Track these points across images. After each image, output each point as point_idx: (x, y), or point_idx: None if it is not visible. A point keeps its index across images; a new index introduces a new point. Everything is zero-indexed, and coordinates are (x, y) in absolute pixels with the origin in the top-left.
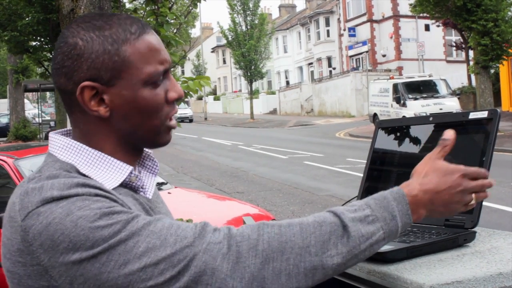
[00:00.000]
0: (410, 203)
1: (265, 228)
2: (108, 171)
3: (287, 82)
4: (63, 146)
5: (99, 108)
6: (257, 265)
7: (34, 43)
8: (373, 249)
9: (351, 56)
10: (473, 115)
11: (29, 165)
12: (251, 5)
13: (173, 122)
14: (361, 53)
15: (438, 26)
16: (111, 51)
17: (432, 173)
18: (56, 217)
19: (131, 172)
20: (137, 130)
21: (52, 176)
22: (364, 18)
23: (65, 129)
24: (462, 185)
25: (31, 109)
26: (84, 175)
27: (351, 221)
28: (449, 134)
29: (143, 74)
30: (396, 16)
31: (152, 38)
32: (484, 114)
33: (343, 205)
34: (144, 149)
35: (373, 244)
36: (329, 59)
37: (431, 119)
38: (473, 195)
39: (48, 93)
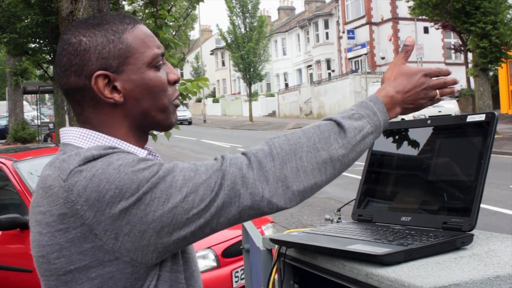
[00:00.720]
0: (386, 103)
1: (273, 140)
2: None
3: (286, 85)
4: (81, 135)
5: (113, 95)
6: (277, 167)
7: (33, 45)
8: (366, 142)
9: (350, 59)
10: (470, 118)
11: (28, 167)
12: (250, 8)
13: (177, 101)
14: (360, 56)
15: (437, 29)
16: (114, 40)
17: (399, 76)
18: (98, 168)
19: (148, 153)
20: (150, 111)
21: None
22: (363, 21)
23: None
24: (425, 83)
25: (30, 111)
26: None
27: (342, 119)
28: (410, 40)
29: (146, 57)
30: (395, 19)
31: (145, 28)
32: (481, 117)
33: (339, 209)
34: (146, 146)
35: (365, 136)
36: (328, 61)
37: (429, 122)
38: (437, 91)
39: (47, 95)
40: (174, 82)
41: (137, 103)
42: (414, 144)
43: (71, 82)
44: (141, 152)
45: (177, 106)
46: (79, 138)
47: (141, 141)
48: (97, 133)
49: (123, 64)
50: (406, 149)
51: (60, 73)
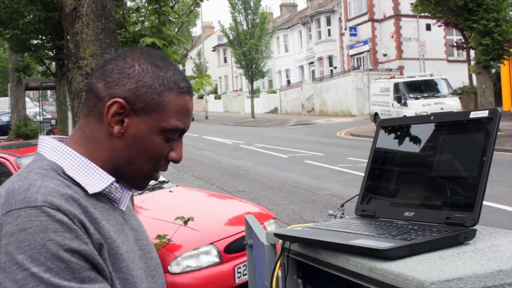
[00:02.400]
0: None
1: None
2: (91, 177)
3: (288, 81)
4: (53, 148)
5: (115, 126)
6: None
7: (35, 42)
8: None
9: (352, 56)
10: (473, 115)
11: None
12: (252, 4)
13: (157, 175)
14: (362, 53)
15: (439, 26)
16: (156, 89)
17: None
18: (32, 227)
19: (112, 183)
20: (131, 163)
21: (42, 175)
22: (365, 18)
23: (59, 136)
24: None
25: (32, 108)
26: (69, 176)
27: None
28: None
29: (165, 122)
30: (397, 16)
31: (191, 102)
32: (484, 114)
33: (343, 204)
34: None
35: None
36: (330, 58)
37: (432, 118)
38: None
39: (49, 92)
40: (171, 160)
41: (128, 149)
42: (417, 140)
43: (98, 87)
44: (107, 180)
45: (154, 179)
46: (51, 150)
47: (114, 175)
48: (71, 149)
49: (144, 112)
50: (409, 145)
51: (99, 73)
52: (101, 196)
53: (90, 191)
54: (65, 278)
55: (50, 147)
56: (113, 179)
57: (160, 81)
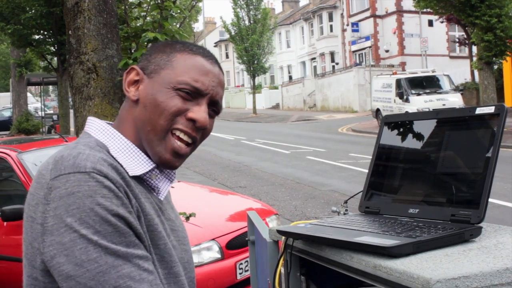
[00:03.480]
0: None
1: None
2: (134, 160)
3: (290, 77)
4: (100, 129)
5: (131, 89)
6: None
7: (37, 37)
8: None
9: (354, 51)
10: (479, 110)
11: (32, 158)
12: (254, 0)
13: (179, 144)
14: (364, 48)
15: (441, 22)
16: (166, 52)
17: None
18: (81, 191)
19: (153, 169)
20: (147, 123)
21: (89, 147)
22: (368, 13)
23: (108, 122)
24: None
25: (33, 103)
26: (112, 157)
27: None
28: None
29: (175, 78)
30: (400, 12)
31: (205, 63)
32: (491, 110)
33: (347, 200)
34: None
35: None
36: (332, 54)
37: (437, 114)
38: None
39: (50, 87)
40: (191, 120)
41: (144, 110)
42: (421, 136)
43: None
44: (149, 165)
45: (176, 151)
46: (98, 131)
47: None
48: (117, 132)
49: (155, 72)
50: (414, 142)
51: None
52: (142, 181)
53: (131, 173)
54: (112, 241)
55: (97, 127)
56: (154, 165)
57: (172, 48)
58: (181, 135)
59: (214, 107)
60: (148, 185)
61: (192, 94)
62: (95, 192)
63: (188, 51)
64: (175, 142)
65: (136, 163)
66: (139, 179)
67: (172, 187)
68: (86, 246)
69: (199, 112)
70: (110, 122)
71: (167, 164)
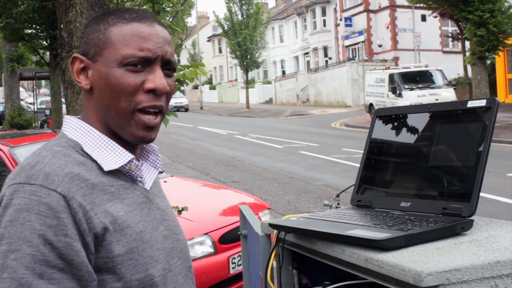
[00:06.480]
0: None
1: None
2: (109, 154)
3: (283, 72)
4: (73, 126)
5: (81, 79)
6: None
7: (29, 31)
8: None
9: (347, 46)
10: (471, 104)
11: (24, 153)
12: None
13: (148, 117)
14: (357, 43)
15: (435, 17)
16: (101, 29)
17: None
18: (20, 203)
19: (131, 161)
20: (109, 109)
21: (53, 152)
22: (361, 8)
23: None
24: None
25: (26, 97)
26: (86, 153)
27: None
28: None
29: (118, 54)
30: (393, 6)
31: (143, 28)
32: (482, 103)
33: (338, 194)
34: (150, 144)
35: None
36: (325, 49)
37: (429, 107)
38: None
39: (43, 82)
40: (150, 91)
41: (100, 96)
42: (413, 130)
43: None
44: (126, 157)
45: (147, 125)
46: (72, 129)
47: (128, 146)
48: (91, 127)
49: (98, 54)
50: (406, 135)
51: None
52: (121, 174)
53: (106, 168)
54: (24, 265)
55: (71, 125)
56: (132, 156)
57: (105, 22)
58: (147, 109)
59: (169, 66)
60: (131, 177)
61: (142, 64)
62: (33, 207)
63: (122, 21)
64: (143, 117)
65: (111, 156)
66: (118, 172)
67: (165, 181)
68: (2, 263)
69: (155, 79)
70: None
71: (143, 139)
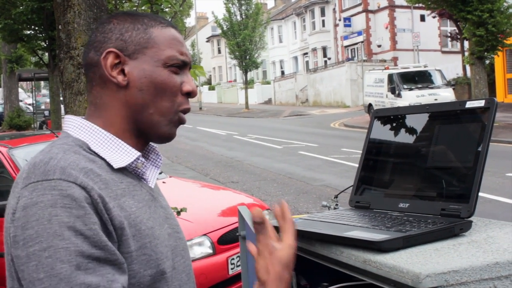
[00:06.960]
0: None
1: None
2: (117, 152)
3: (282, 72)
4: (78, 126)
5: (118, 75)
6: None
7: (28, 32)
8: None
9: (346, 46)
10: (470, 104)
11: (23, 154)
12: None
13: (183, 117)
14: (356, 44)
15: (434, 17)
16: (140, 28)
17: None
18: (43, 201)
19: (138, 158)
20: (149, 107)
21: (64, 149)
22: (360, 8)
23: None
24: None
25: (25, 98)
26: (94, 152)
27: None
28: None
29: (164, 55)
30: (392, 7)
31: (177, 33)
32: (481, 103)
33: (337, 195)
34: (150, 143)
35: None
36: (324, 49)
37: (428, 108)
38: None
39: (42, 83)
40: (187, 93)
41: (140, 93)
42: (412, 130)
43: (89, 57)
44: (133, 154)
45: (181, 121)
46: (76, 128)
47: (138, 141)
48: (95, 126)
49: (139, 52)
50: (404, 136)
51: (85, 49)
52: (128, 172)
53: (115, 165)
54: (60, 260)
55: (75, 125)
56: (138, 153)
57: (141, 22)
58: (186, 111)
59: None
60: (137, 175)
61: (180, 67)
62: (56, 202)
63: (160, 24)
64: (183, 117)
65: (119, 154)
66: (125, 170)
67: (163, 182)
68: (37, 264)
69: (190, 83)
70: (83, 117)
71: (171, 137)
